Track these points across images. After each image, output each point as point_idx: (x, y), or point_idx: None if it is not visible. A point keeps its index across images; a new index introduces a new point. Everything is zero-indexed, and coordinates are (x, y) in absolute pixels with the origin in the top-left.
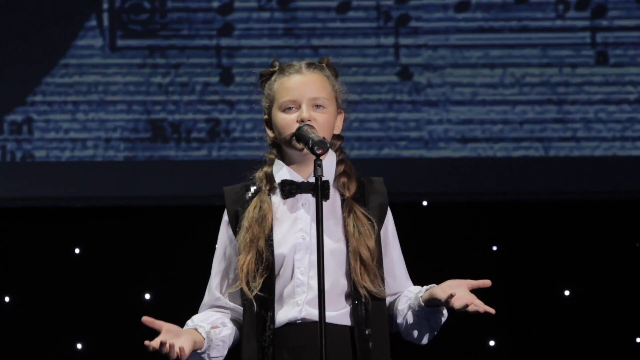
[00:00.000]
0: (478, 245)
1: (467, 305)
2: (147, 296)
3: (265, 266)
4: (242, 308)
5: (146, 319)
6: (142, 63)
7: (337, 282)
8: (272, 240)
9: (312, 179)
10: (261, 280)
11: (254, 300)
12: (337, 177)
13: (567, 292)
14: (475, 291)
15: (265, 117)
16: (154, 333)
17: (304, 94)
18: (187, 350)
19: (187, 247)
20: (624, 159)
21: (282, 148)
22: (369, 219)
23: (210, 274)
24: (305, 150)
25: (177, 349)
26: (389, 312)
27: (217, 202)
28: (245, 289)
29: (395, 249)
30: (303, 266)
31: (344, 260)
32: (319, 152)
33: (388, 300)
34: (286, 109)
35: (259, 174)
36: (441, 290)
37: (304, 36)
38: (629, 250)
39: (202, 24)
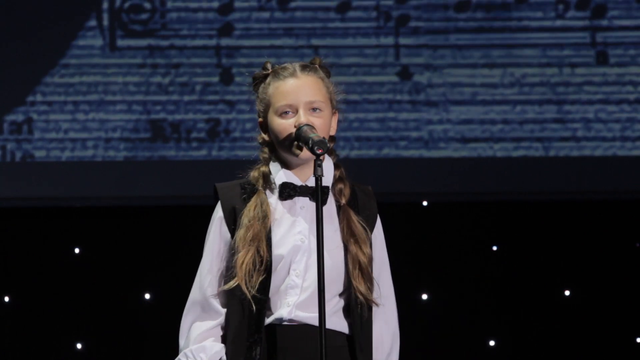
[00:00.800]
0: (478, 245)
1: None
2: (147, 296)
3: (264, 266)
4: (226, 309)
5: None
6: (142, 63)
7: (333, 287)
8: (271, 240)
9: (310, 182)
10: (259, 280)
11: (251, 300)
12: (334, 183)
13: (567, 292)
14: (476, 289)
15: (260, 120)
16: (154, 333)
17: (300, 99)
18: None
19: (187, 247)
20: (624, 159)
21: (277, 150)
22: (363, 227)
23: (200, 272)
24: (303, 155)
25: None
26: None
27: (215, 203)
28: (244, 287)
29: (381, 261)
30: (299, 269)
31: (342, 266)
32: (319, 152)
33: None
34: (283, 114)
35: (255, 173)
36: None
37: (304, 36)
38: (629, 250)
39: (202, 24)
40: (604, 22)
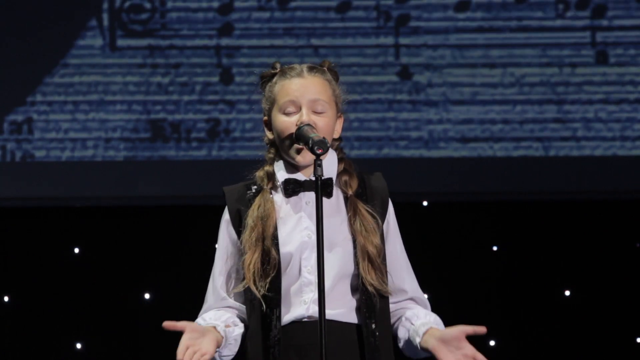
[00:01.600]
0: (478, 245)
1: None
2: (147, 296)
3: (272, 265)
4: (245, 307)
5: (167, 324)
6: (142, 63)
7: (344, 279)
8: (277, 239)
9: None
10: (268, 280)
11: (261, 299)
12: (339, 175)
13: (567, 292)
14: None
15: (265, 118)
16: (154, 333)
17: (304, 98)
18: (212, 353)
19: (187, 247)
20: (624, 158)
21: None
22: (372, 216)
23: (213, 275)
24: (302, 161)
25: (201, 357)
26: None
27: (217, 202)
28: (253, 288)
29: (396, 243)
30: (310, 265)
31: (351, 258)
32: (319, 152)
33: (391, 301)
34: (286, 112)
35: (260, 173)
36: (443, 353)
37: (304, 36)
38: (629, 250)
39: (202, 23)
40: (604, 22)
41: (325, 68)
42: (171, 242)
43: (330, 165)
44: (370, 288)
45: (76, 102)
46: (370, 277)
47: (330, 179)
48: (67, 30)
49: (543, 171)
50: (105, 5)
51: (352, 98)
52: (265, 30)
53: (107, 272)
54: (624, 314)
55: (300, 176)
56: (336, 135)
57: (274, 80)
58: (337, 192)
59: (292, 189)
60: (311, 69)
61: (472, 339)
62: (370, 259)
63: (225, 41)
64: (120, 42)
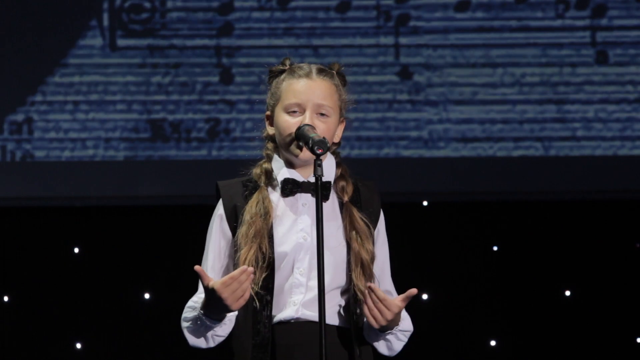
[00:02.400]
0: (478, 245)
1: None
2: (147, 296)
3: (267, 263)
4: None
5: (198, 268)
6: (142, 63)
7: (333, 283)
8: (272, 237)
9: (312, 179)
10: (261, 277)
11: (254, 296)
12: (336, 180)
13: (567, 292)
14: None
15: (268, 112)
16: (153, 333)
17: (310, 100)
18: (246, 297)
19: (187, 247)
20: (624, 158)
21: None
22: (366, 224)
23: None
24: (302, 156)
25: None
26: None
27: (216, 201)
28: None
29: (383, 253)
30: (303, 267)
31: (344, 263)
32: (319, 151)
33: None
34: (290, 112)
35: (257, 170)
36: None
37: (304, 36)
38: (629, 250)
39: (202, 23)
40: (604, 22)
41: (334, 72)
42: (171, 242)
43: (329, 168)
44: (359, 294)
45: (76, 102)
46: (360, 284)
47: (329, 183)
48: (67, 30)
49: (543, 171)
50: (105, 5)
51: (353, 99)
52: (265, 30)
53: (107, 272)
54: (624, 314)
55: (298, 177)
56: (336, 140)
57: (282, 77)
58: (332, 197)
59: (290, 189)
60: (320, 71)
61: (472, 339)
62: (362, 265)
63: (225, 41)
64: (120, 42)
